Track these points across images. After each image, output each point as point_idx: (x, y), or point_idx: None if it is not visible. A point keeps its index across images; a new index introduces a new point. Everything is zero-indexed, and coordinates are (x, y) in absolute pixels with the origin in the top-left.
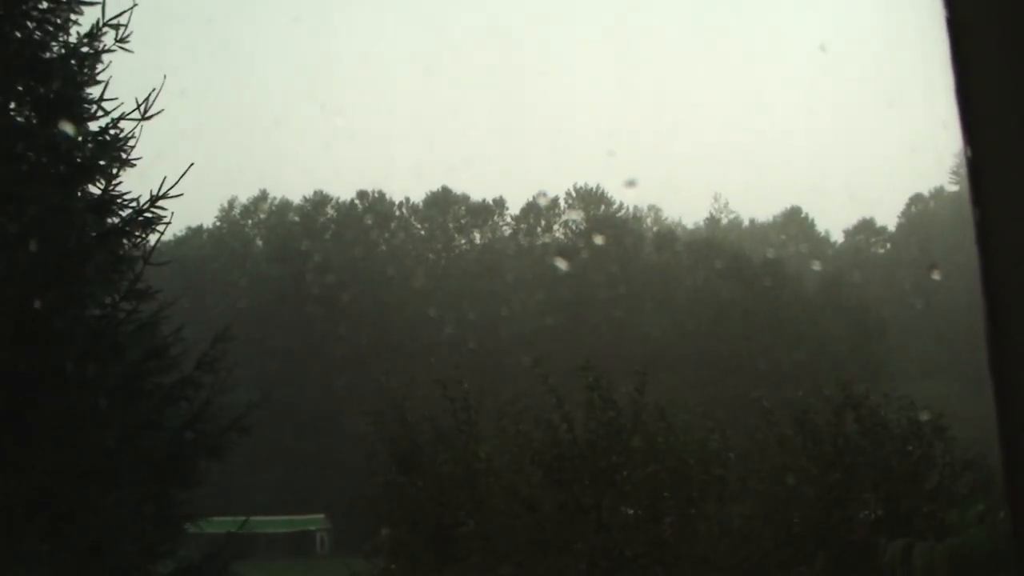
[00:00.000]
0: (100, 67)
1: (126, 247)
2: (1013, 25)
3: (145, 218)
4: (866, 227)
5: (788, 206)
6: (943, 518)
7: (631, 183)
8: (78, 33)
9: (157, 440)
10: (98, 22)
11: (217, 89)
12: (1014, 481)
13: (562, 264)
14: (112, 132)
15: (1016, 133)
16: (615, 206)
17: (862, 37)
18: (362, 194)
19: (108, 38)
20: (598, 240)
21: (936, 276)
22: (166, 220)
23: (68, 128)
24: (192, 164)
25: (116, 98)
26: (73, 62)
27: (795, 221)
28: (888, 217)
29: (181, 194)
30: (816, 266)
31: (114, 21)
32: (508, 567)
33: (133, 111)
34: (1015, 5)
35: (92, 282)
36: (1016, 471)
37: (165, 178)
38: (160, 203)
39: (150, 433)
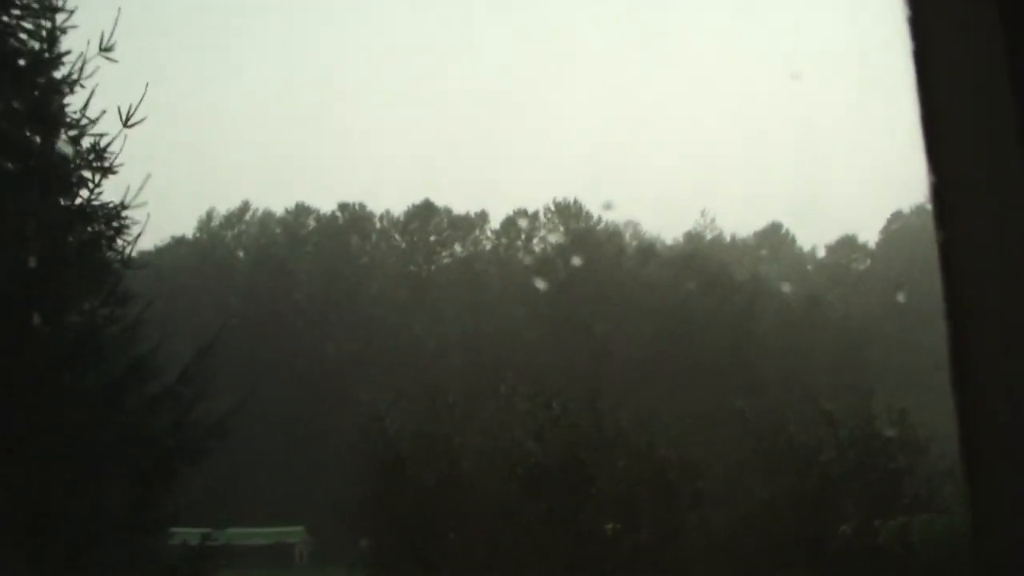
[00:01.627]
0: (84, 76)
1: (105, 254)
2: (974, 50)
3: (115, 226)
4: (847, 243)
5: (769, 222)
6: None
7: (608, 206)
8: (50, 38)
9: (139, 449)
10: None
11: (200, 99)
12: (974, 486)
13: (541, 284)
14: (94, 141)
15: (976, 162)
16: (594, 220)
17: (841, 56)
18: (343, 206)
19: (91, 48)
20: (576, 261)
21: (901, 298)
22: (137, 228)
23: (49, 137)
24: (149, 175)
25: (103, 111)
26: (58, 74)
27: (775, 237)
28: (870, 234)
29: (146, 202)
30: (786, 287)
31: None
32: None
33: (120, 130)
34: (978, 31)
35: (73, 289)
36: (976, 481)
37: (128, 187)
38: (130, 211)
39: (132, 442)
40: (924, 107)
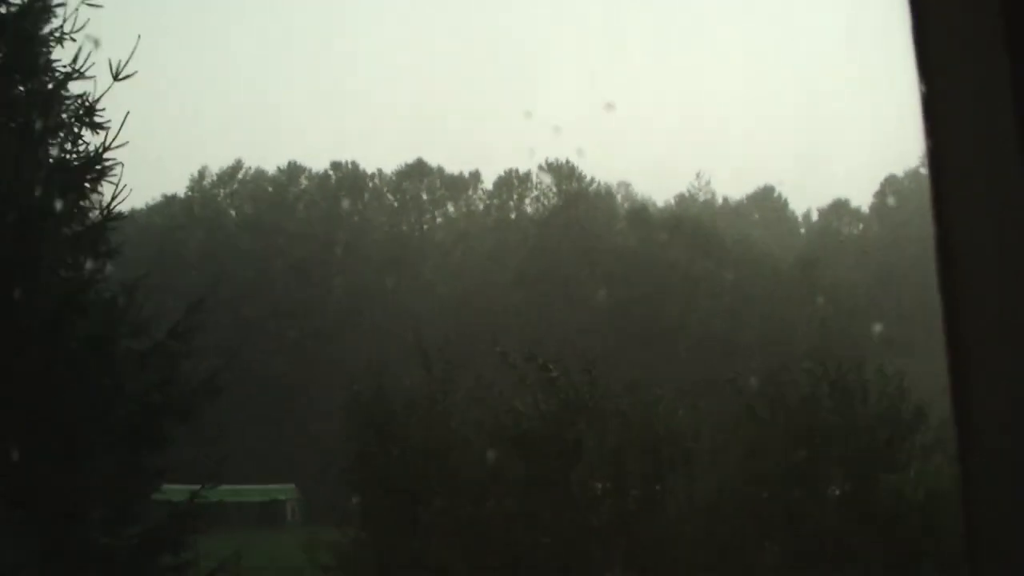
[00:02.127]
0: (68, 26)
1: (88, 206)
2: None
3: (95, 172)
4: (840, 208)
5: (761, 186)
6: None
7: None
8: None
9: (127, 404)
10: None
11: (193, 58)
12: (967, 459)
13: (533, 245)
14: (82, 95)
15: (975, 129)
16: (587, 181)
17: (838, 19)
18: (336, 165)
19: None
20: (568, 222)
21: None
22: (114, 169)
23: (35, 90)
24: (128, 113)
25: (92, 63)
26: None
27: (768, 200)
28: (863, 198)
29: (126, 142)
30: (794, 237)
31: None
32: (476, 537)
33: (110, 85)
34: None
35: (56, 241)
36: (969, 454)
37: (109, 125)
38: (110, 155)
39: (120, 398)
40: (921, 70)
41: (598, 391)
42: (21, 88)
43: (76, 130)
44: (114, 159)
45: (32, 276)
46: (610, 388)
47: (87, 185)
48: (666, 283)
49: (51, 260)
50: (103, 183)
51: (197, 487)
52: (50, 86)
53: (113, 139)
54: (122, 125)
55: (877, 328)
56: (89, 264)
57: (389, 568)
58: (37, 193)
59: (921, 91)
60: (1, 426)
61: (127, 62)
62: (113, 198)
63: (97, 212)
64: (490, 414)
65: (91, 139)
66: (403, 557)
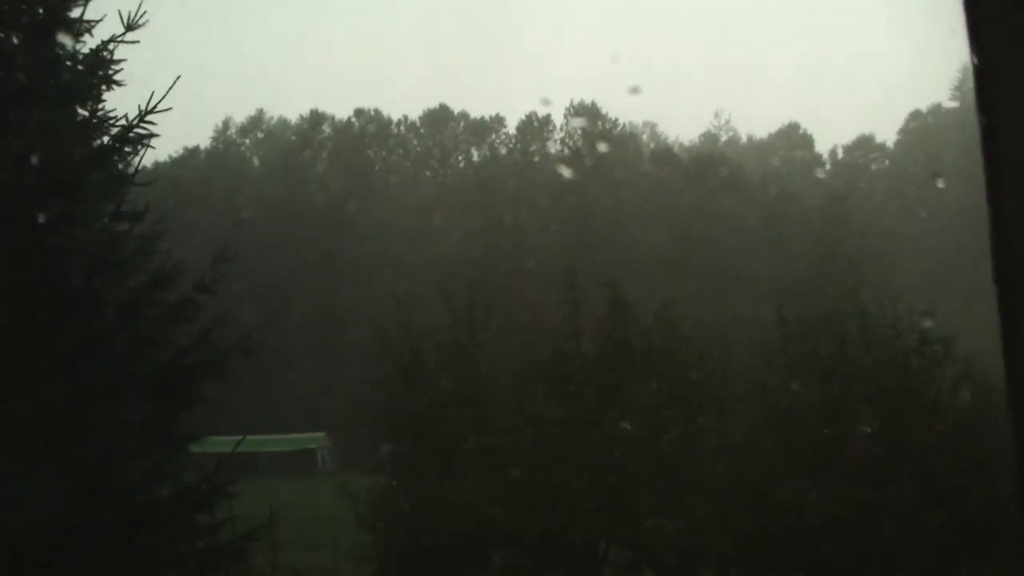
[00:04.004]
0: None
1: (118, 166)
2: None
3: (136, 134)
4: (865, 143)
5: (786, 123)
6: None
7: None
8: None
9: (160, 357)
10: None
11: (211, 6)
12: (1016, 393)
13: (565, 171)
14: (99, 51)
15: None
16: (612, 122)
17: None
18: (359, 112)
19: None
20: (601, 147)
21: (940, 184)
22: (155, 135)
23: (59, 47)
24: (179, 77)
25: (104, 15)
26: None
27: (793, 137)
28: (887, 134)
29: (170, 108)
30: (820, 174)
31: None
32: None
33: (122, 34)
34: None
35: (88, 202)
36: (1019, 383)
37: (153, 93)
38: (150, 119)
39: (153, 350)
40: (976, 55)
41: (635, 329)
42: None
43: (98, 88)
44: (151, 125)
45: (70, 233)
46: (644, 327)
47: (127, 151)
48: (693, 223)
49: (80, 220)
50: (144, 143)
51: (225, 438)
52: (72, 40)
53: (160, 100)
54: (168, 91)
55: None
56: (119, 225)
57: (423, 514)
58: (69, 154)
59: (973, 63)
60: (36, 376)
61: (139, 11)
62: (140, 160)
63: (123, 169)
64: (525, 353)
65: (110, 97)
66: (437, 503)
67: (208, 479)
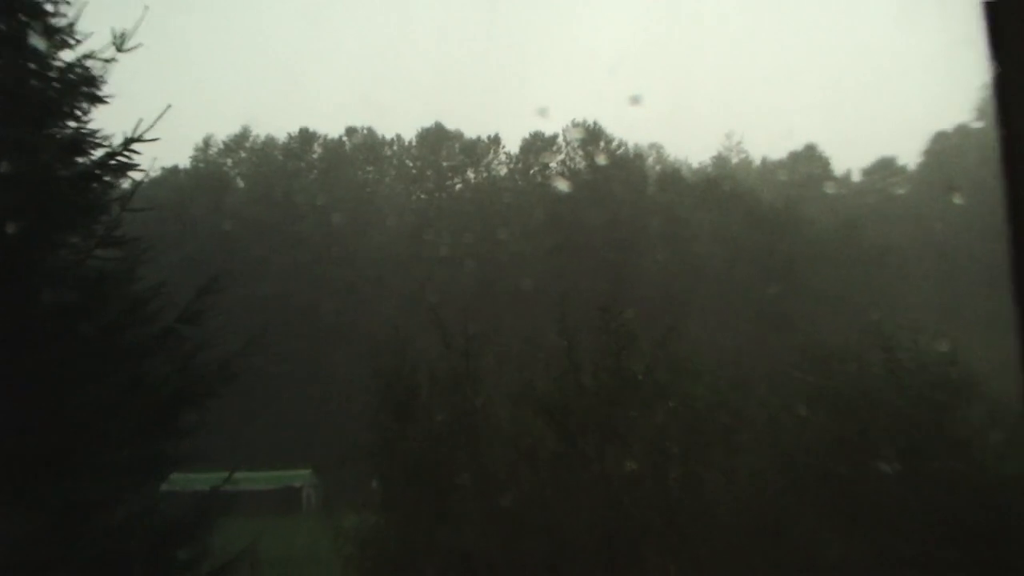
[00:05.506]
0: None
1: (97, 191)
2: None
3: (119, 162)
4: (885, 166)
5: (802, 144)
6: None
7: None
8: None
9: (139, 395)
10: None
11: (195, 20)
12: None
13: (565, 191)
14: (83, 67)
15: None
16: (615, 143)
17: None
18: (351, 131)
19: None
20: (603, 168)
21: (958, 200)
22: (140, 167)
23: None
24: (169, 106)
25: (91, 33)
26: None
27: (810, 159)
28: (910, 156)
29: (157, 138)
30: (829, 189)
31: None
32: (506, 521)
33: (107, 46)
34: None
35: (65, 227)
36: None
37: (140, 120)
38: (135, 146)
39: (134, 387)
40: (997, 63)
41: (640, 364)
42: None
43: (80, 104)
44: (135, 154)
45: (47, 263)
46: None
47: (108, 179)
48: (701, 250)
49: (64, 246)
50: (123, 175)
51: (205, 474)
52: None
53: (151, 126)
54: (157, 119)
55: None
56: (103, 253)
57: (414, 556)
58: (47, 175)
59: (993, 74)
60: (8, 416)
61: (133, 32)
62: (135, 187)
63: (109, 195)
64: (526, 385)
65: (96, 114)
66: (428, 543)
67: (189, 515)
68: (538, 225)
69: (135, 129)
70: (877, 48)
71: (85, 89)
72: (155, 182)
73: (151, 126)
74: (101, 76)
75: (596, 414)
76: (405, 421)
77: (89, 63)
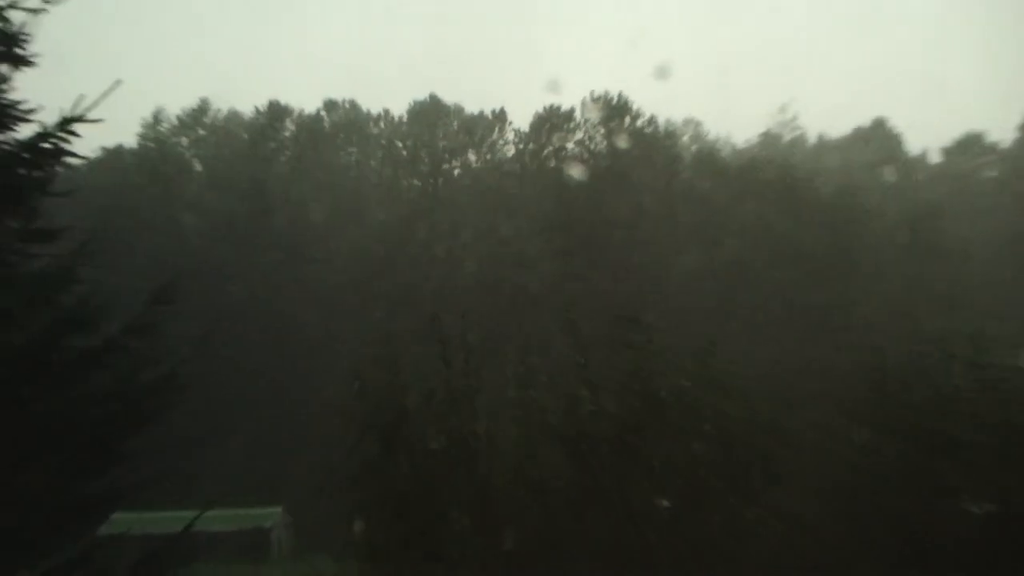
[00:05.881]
0: None
1: (23, 178)
2: None
3: (54, 144)
4: (971, 144)
5: (869, 119)
6: None
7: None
8: None
9: (74, 418)
10: None
11: None
12: None
13: (580, 171)
14: (2, 18)
15: None
16: (644, 119)
17: None
18: (330, 105)
19: None
20: (623, 142)
21: None
22: (78, 153)
23: None
24: (119, 82)
25: None
26: None
27: (877, 137)
28: (1002, 131)
29: (102, 120)
30: (897, 173)
31: None
32: (511, 566)
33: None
34: None
35: None
36: None
37: (82, 96)
38: (75, 127)
39: (66, 412)
40: None
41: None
42: None
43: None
44: (73, 135)
45: None
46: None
47: (39, 163)
48: (745, 246)
49: None
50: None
51: (159, 514)
52: None
53: (98, 101)
54: (103, 97)
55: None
56: (25, 247)
57: None
58: None
59: None
60: None
61: None
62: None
63: (31, 178)
64: (535, 408)
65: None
66: None
67: (147, 558)
68: (550, 218)
69: (75, 106)
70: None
71: (3, 48)
72: (94, 165)
73: (96, 103)
74: (25, 32)
75: (619, 442)
76: (394, 448)
77: (10, 14)
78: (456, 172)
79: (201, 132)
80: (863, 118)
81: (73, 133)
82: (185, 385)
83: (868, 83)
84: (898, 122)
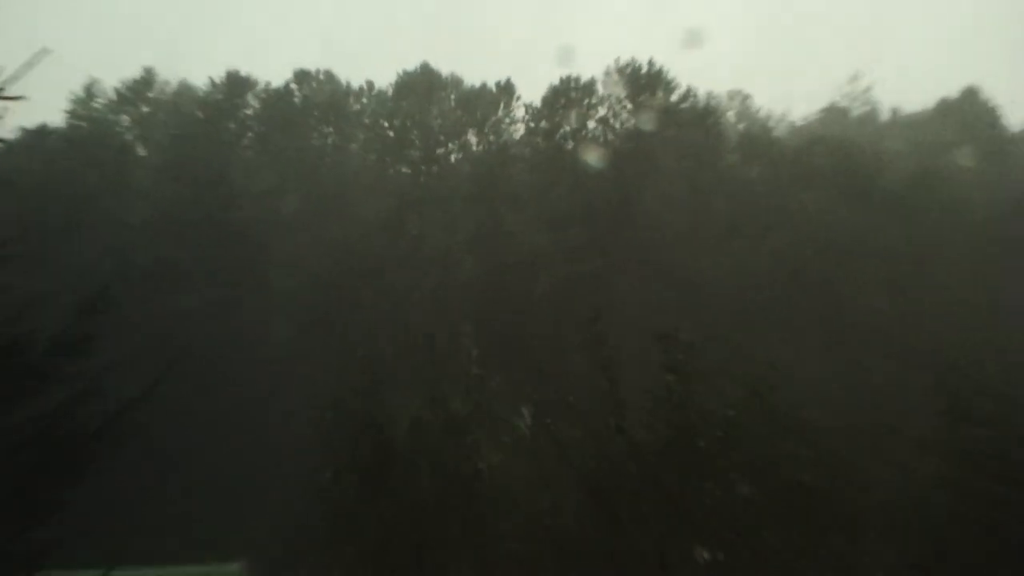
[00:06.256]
0: None
1: None
2: None
3: None
4: None
5: (957, 89)
6: None
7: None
8: None
9: None
10: None
11: None
12: None
13: (599, 156)
14: None
15: None
16: (681, 92)
17: None
18: (301, 76)
19: None
20: (649, 123)
21: None
22: None
23: None
24: (46, 50)
25: None
26: None
27: (968, 110)
28: None
29: (23, 97)
30: (977, 158)
31: None
32: None
33: None
34: None
35: None
36: None
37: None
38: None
39: None
40: None
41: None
42: None
43: None
44: (15, 98)
45: None
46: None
47: None
48: (797, 241)
49: None
50: None
51: (96, 571)
52: None
53: (10, 80)
54: (26, 68)
55: None
56: None
57: None
58: None
59: None
60: None
61: None
62: None
63: None
64: (545, 442)
65: None
66: None
67: None
68: (565, 210)
69: None
70: None
71: None
72: (12, 149)
73: (17, 76)
74: None
75: (653, 485)
76: (376, 490)
77: None
78: (453, 157)
79: (145, 109)
80: (951, 86)
81: None
82: (126, 434)
83: (957, 50)
84: (996, 91)
